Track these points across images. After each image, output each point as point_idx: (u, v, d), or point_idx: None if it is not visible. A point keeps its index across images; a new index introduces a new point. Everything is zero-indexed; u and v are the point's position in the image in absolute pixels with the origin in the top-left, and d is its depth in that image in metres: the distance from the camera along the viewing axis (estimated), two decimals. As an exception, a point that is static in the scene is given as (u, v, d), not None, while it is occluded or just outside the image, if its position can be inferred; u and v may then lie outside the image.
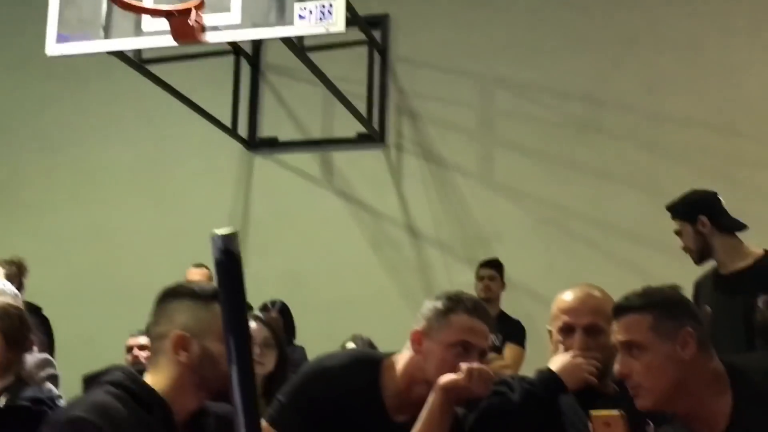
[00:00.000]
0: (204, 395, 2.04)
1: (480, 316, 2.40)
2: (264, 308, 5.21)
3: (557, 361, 2.42)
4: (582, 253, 6.32)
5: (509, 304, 5.90)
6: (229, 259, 1.03)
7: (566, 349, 2.42)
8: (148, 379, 2.02)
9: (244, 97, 7.42)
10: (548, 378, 2.38)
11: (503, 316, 5.72)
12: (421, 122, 7.04)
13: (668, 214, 4.14)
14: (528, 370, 2.66)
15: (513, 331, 5.61)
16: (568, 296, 2.50)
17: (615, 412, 1.98)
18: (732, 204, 4.13)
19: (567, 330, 2.44)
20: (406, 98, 7.11)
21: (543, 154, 6.67)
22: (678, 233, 4.07)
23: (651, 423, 2.30)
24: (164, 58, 6.48)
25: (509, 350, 5.53)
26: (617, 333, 2.10)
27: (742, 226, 4.01)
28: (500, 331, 5.53)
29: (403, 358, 2.43)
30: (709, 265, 4.07)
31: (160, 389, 1.99)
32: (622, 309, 2.12)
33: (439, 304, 2.40)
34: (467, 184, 6.84)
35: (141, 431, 1.79)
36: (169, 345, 2.00)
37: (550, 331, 2.54)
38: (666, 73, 6.51)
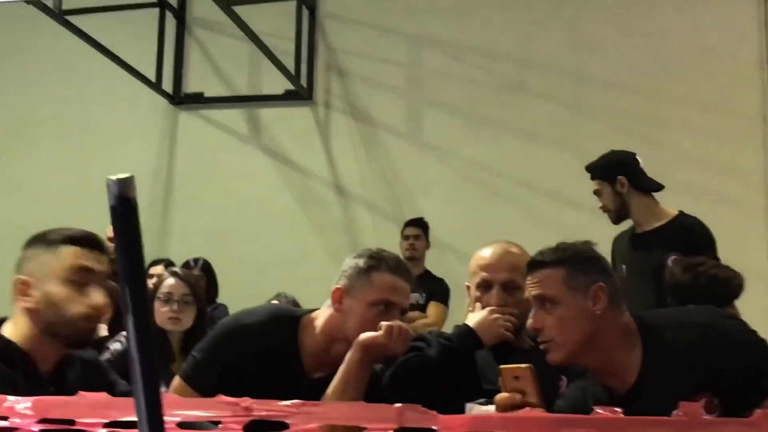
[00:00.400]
0: (60, 344, 1.98)
1: (402, 275, 2.38)
2: (186, 265, 5.15)
3: (474, 318, 2.43)
4: (507, 213, 6.37)
5: (435, 262, 5.94)
6: (124, 205, 0.99)
7: (484, 305, 2.44)
8: (7, 329, 1.96)
9: (169, 51, 7.27)
10: (465, 333, 2.40)
11: (428, 275, 5.77)
12: (350, 80, 6.98)
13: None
14: (452, 329, 2.68)
15: (437, 290, 5.65)
16: (486, 252, 2.52)
17: (524, 366, 1.99)
18: (652, 165, 4.19)
19: (485, 286, 2.46)
20: (334, 55, 7.04)
21: (470, 113, 6.68)
22: (597, 193, 4.11)
23: (564, 377, 2.33)
24: (86, 8, 6.31)
25: (433, 308, 5.57)
26: (531, 287, 2.11)
27: (659, 187, 4.08)
28: (425, 290, 5.59)
29: (322, 315, 2.41)
30: (628, 224, 4.14)
31: (19, 340, 1.93)
32: (535, 264, 2.13)
33: (360, 262, 2.38)
34: (395, 142, 6.82)
35: (4, 387, 1.72)
36: (15, 291, 1.96)
37: (468, 287, 2.55)
38: (591, 35, 6.55)
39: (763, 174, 6.12)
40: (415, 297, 5.56)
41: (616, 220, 4.10)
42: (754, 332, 2.03)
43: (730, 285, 3.08)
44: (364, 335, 2.24)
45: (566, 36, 6.60)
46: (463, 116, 6.69)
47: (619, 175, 4.03)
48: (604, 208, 4.09)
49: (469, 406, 2.14)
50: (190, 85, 7.29)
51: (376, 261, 2.36)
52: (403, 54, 6.91)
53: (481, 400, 2.15)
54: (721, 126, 6.18)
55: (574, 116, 6.45)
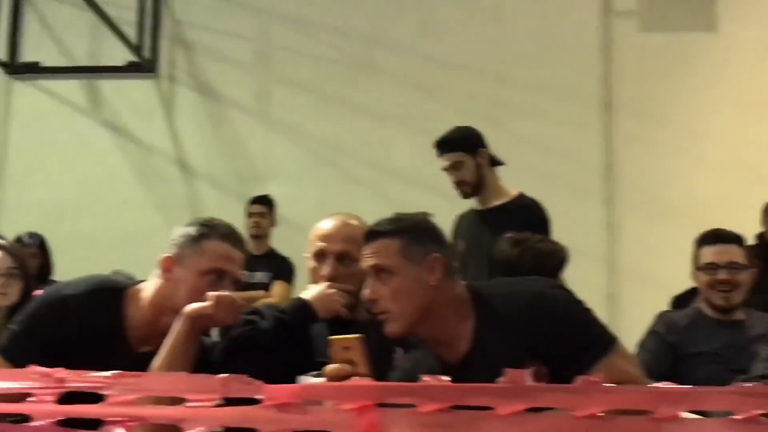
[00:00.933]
0: None
1: (234, 243, 2.32)
2: (20, 241, 4.90)
3: (311, 291, 2.40)
4: (356, 192, 6.35)
5: (282, 241, 5.87)
6: None
7: (318, 275, 2.41)
8: None
9: (4, 17, 6.93)
10: (300, 306, 2.36)
11: (273, 254, 5.73)
12: (196, 53, 6.83)
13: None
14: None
15: (282, 269, 5.60)
16: (324, 223, 2.50)
17: (353, 337, 1.98)
18: (495, 148, 4.22)
19: (320, 256, 2.43)
20: (180, 27, 6.86)
21: (320, 92, 6.64)
22: (454, 166, 4.03)
23: (399, 349, 2.32)
24: None
25: (278, 287, 5.52)
26: (367, 258, 2.09)
27: (501, 162, 4.13)
28: (269, 269, 5.56)
29: (150, 286, 2.32)
30: (471, 203, 4.16)
31: None
32: (372, 234, 2.11)
33: (191, 230, 2.31)
34: (242, 119, 6.72)
35: None
36: None
37: (307, 259, 2.51)
38: (441, 18, 6.62)
39: (602, 159, 6.33)
40: (260, 276, 5.51)
41: (472, 194, 4.05)
42: (581, 302, 2.07)
43: (555, 258, 3.18)
44: (190, 306, 2.17)
45: (416, 18, 6.64)
46: (312, 94, 6.65)
47: (480, 147, 4.04)
48: (462, 182, 4.03)
49: (301, 378, 2.10)
50: (26, 54, 6.97)
51: (208, 229, 2.29)
52: (252, 29, 6.80)
53: (314, 373, 2.11)
54: (562, 111, 6.35)
55: (422, 98, 6.50)
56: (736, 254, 3.34)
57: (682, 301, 4.04)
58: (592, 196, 6.26)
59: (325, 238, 2.43)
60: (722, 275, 3.30)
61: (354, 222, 2.49)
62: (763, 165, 6.01)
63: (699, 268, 3.38)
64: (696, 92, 6.34)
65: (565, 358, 1.91)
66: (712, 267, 3.32)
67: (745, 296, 3.35)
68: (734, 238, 3.39)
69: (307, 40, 6.70)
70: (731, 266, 3.31)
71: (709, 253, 3.35)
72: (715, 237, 3.39)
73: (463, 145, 4.05)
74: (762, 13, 6.35)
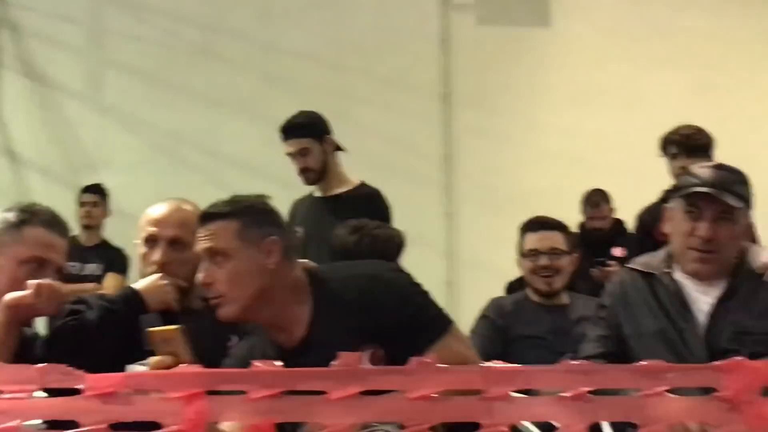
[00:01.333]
0: None
1: (57, 230, 2.26)
2: None
3: (142, 282, 2.32)
4: (193, 181, 6.20)
5: (115, 232, 5.69)
6: None
7: (149, 261, 2.34)
8: None
9: None
10: (129, 296, 2.29)
11: (105, 245, 5.60)
12: (24, 36, 6.55)
13: (279, 144, 4.05)
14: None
15: (115, 260, 5.46)
16: (156, 208, 2.43)
17: (172, 328, 1.93)
18: (336, 137, 4.19)
19: (151, 241, 2.36)
20: (6, 8, 6.57)
21: (156, 78, 6.48)
22: (300, 153, 3.94)
23: (234, 337, 2.27)
24: None
25: (110, 279, 5.33)
26: (202, 240, 2.03)
27: (343, 149, 4.11)
28: (101, 260, 5.45)
29: (-34, 276, 2.19)
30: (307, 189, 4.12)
31: None
32: (208, 216, 2.06)
33: (10, 216, 2.23)
34: (74, 105, 6.50)
35: None
36: None
37: (138, 245, 2.43)
38: (280, 5, 6.58)
39: (440, 150, 6.44)
40: (91, 268, 5.36)
41: (316, 181, 3.98)
42: (417, 284, 2.08)
43: (392, 243, 3.22)
44: (9, 295, 2.08)
45: (256, 4, 6.57)
46: (147, 80, 6.49)
47: (326, 133, 3.99)
48: (307, 169, 3.95)
49: (129, 368, 2.03)
50: None
51: (29, 215, 2.20)
52: (83, 11, 6.58)
53: (143, 362, 2.04)
54: (402, 102, 6.42)
55: (260, 85, 6.45)
56: (557, 240, 3.43)
57: (515, 287, 4.14)
58: (431, 186, 6.35)
59: (157, 223, 2.36)
60: (544, 261, 3.39)
61: (187, 207, 2.43)
62: (593, 157, 6.25)
63: (522, 254, 3.47)
64: (530, 85, 6.53)
65: (401, 340, 1.91)
66: (534, 253, 3.41)
67: (567, 281, 3.45)
68: (556, 225, 3.49)
69: (141, 24, 6.51)
70: (552, 252, 3.40)
71: (531, 240, 3.44)
72: (537, 224, 3.48)
73: (310, 131, 3.99)
74: (593, 10, 6.60)
